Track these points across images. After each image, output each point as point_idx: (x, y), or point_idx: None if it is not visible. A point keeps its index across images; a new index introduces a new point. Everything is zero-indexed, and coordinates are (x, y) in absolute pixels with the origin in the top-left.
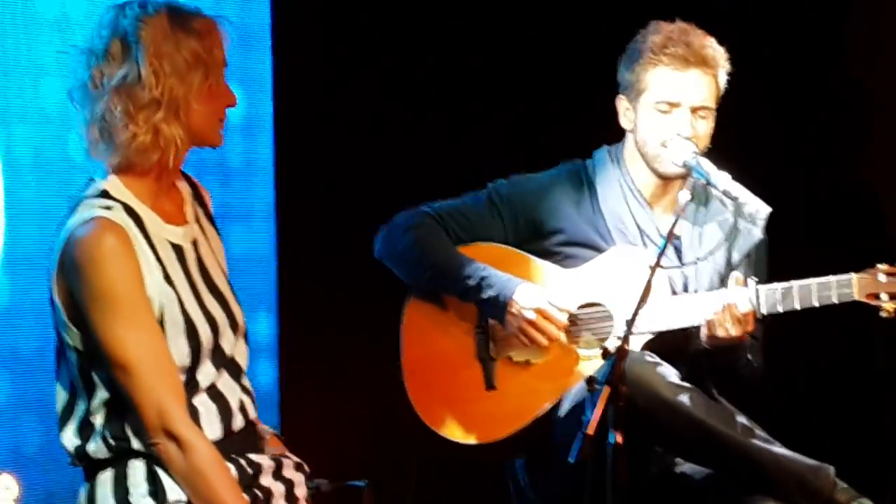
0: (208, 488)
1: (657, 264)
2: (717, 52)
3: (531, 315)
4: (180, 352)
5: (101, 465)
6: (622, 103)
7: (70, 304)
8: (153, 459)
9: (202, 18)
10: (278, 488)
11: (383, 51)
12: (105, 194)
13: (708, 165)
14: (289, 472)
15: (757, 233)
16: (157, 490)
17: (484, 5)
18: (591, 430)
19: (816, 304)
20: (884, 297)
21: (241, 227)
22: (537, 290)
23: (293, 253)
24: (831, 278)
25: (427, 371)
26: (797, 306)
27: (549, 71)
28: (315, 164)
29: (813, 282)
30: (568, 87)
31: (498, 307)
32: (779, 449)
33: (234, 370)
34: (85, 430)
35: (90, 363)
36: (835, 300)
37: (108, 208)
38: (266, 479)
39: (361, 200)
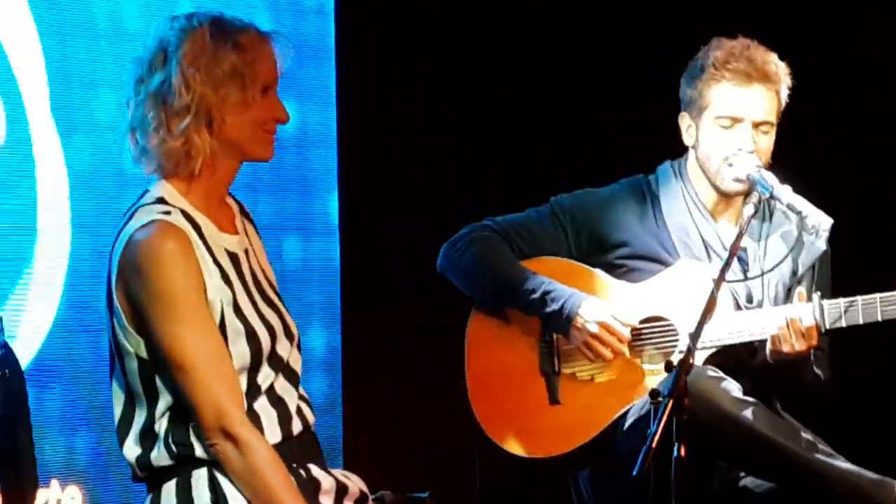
0: (267, 488)
1: (721, 278)
2: (779, 68)
3: (596, 329)
4: (241, 353)
5: (164, 474)
6: (684, 120)
7: (131, 308)
8: (216, 466)
9: (249, 33)
10: None
11: (449, 63)
12: (162, 201)
13: (772, 179)
14: (349, 501)
15: (820, 245)
16: (218, 498)
17: (548, 20)
18: (654, 442)
19: (880, 319)
20: None
21: (303, 238)
22: (602, 304)
23: (357, 264)
24: (895, 293)
25: (491, 385)
26: (861, 321)
27: (611, 87)
28: (379, 176)
29: (877, 297)
30: (632, 103)
31: (563, 321)
32: (842, 463)
33: (291, 375)
34: (147, 438)
35: (153, 368)
36: None
37: (168, 213)
38: (325, 499)
39: (425, 212)
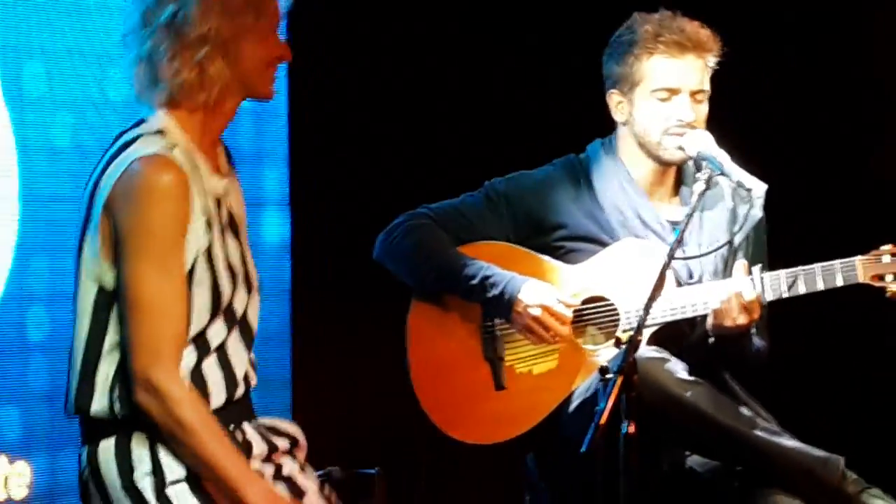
0: (195, 445)
1: (671, 255)
2: (708, 35)
3: (537, 312)
4: (202, 305)
5: (102, 429)
6: (614, 97)
7: (109, 234)
8: (156, 432)
9: None
10: (268, 471)
11: (385, 52)
12: (161, 133)
13: (722, 156)
14: (280, 457)
15: (756, 212)
16: (155, 468)
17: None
18: (603, 419)
19: (822, 288)
20: (889, 278)
21: (258, 215)
22: (542, 286)
23: (307, 242)
24: (835, 262)
25: (434, 373)
26: (802, 291)
27: (537, 69)
28: (327, 156)
29: (817, 266)
30: (556, 85)
31: (503, 306)
32: (787, 441)
33: (245, 333)
34: (86, 379)
35: (108, 300)
36: (840, 283)
37: (172, 148)
38: (255, 463)
39: (368, 194)
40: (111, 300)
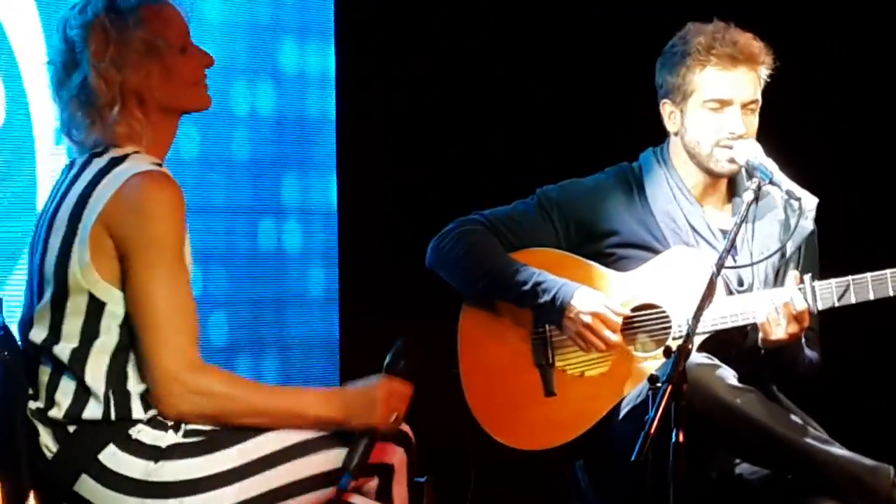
0: (272, 411)
1: (722, 263)
2: (760, 48)
3: (588, 319)
4: None
5: (98, 434)
6: (666, 107)
7: (109, 245)
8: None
9: (145, 3)
10: None
11: (436, 59)
12: (140, 154)
13: (771, 165)
14: None
15: (807, 224)
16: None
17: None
18: (653, 428)
19: (872, 298)
20: None
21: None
22: (594, 293)
23: (355, 250)
24: (886, 272)
25: (485, 379)
26: (853, 300)
27: (591, 77)
28: (377, 164)
29: (868, 276)
30: (609, 92)
31: (555, 312)
32: (837, 449)
33: None
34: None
35: (100, 307)
36: (891, 293)
37: (160, 165)
38: None
39: (420, 201)
40: (101, 308)
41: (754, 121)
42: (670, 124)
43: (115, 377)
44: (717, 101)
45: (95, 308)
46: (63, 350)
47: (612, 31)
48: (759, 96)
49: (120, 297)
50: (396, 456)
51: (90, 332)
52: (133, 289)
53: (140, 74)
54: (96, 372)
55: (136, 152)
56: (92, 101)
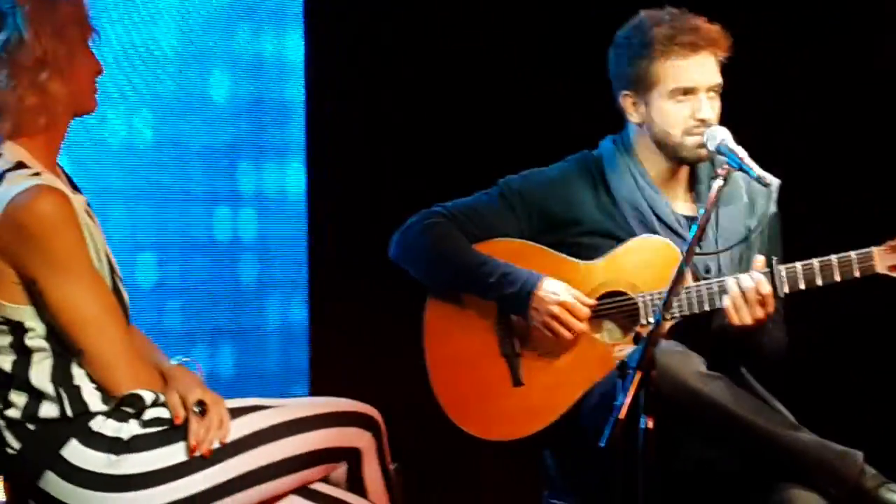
0: None
1: (692, 250)
2: (718, 31)
3: (555, 309)
4: None
5: (58, 430)
6: (628, 99)
7: (10, 274)
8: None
9: None
10: None
11: (399, 50)
12: (22, 165)
13: (741, 152)
14: None
15: (770, 207)
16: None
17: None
18: (622, 414)
19: (838, 280)
20: None
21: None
22: (559, 283)
23: (322, 239)
24: (851, 253)
25: (451, 370)
26: (819, 283)
27: (548, 67)
28: (342, 154)
29: (833, 258)
30: (568, 81)
31: (521, 303)
32: (806, 435)
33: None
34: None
35: (21, 332)
36: (856, 275)
37: (38, 174)
38: None
39: (382, 193)
40: (20, 327)
41: (717, 104)
42: (634, 115)
43: (61, 377)
44: (683, 90)
45: (15, 328)
46: (4, 362)
47: (569, 18)
48: (720, 79)
49: (32, 311)
50: (364, 440)
51: (21, 347)
52: (53, 307)
53: (66, 43)
54: (41, 376)
55: (20, 164)
56: (17, 59)
